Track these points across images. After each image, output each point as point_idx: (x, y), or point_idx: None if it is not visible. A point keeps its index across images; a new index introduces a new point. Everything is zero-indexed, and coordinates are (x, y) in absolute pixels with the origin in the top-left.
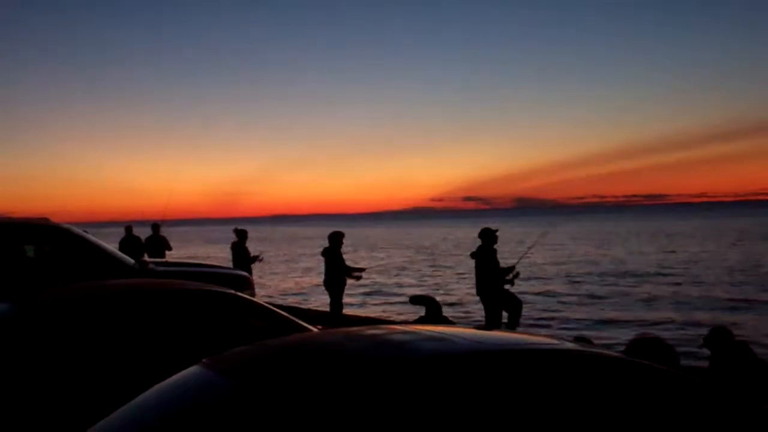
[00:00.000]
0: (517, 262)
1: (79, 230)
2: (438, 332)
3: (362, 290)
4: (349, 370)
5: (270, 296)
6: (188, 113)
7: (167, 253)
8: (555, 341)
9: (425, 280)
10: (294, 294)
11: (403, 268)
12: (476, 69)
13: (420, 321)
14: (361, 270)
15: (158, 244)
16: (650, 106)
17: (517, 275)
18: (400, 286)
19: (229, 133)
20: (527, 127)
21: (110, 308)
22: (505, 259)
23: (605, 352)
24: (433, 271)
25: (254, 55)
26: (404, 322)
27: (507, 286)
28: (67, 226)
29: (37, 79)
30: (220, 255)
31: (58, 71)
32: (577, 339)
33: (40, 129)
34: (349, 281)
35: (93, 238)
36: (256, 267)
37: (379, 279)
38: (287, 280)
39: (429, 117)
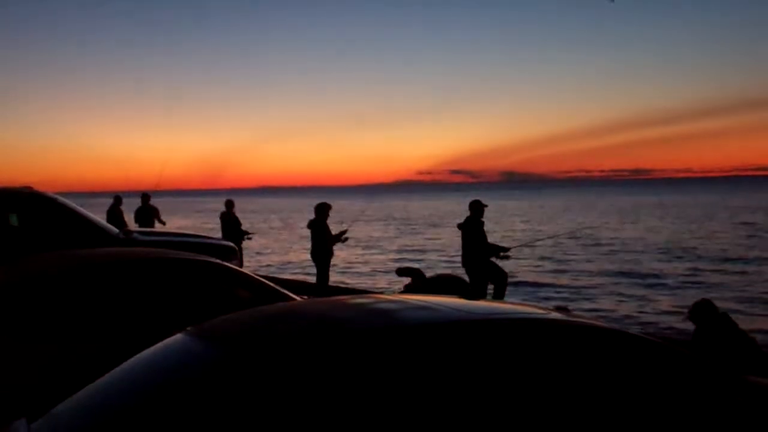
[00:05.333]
0: (513, 248)
1: (63, 199)
2: (425, 301)
3: (348, 262)
4: (337, 337)
5: (256, 268)
6: (178, 83)
7: (159, 224)
8: (541, 311)
9: (410, 252)
10: (282, 266)
11: (388, 240)
12: (465, 41)
13: (406, 292)
14: (344, 232)
15: (148, 214)
16: (637, 82)
17: (508, 257)
18: (386, 258)
19: (218, 104)
20: (515, 101)
21: (92, 276)
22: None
23: (591, 322)
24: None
25: (244, 25)
26: (391, 292)
27: (494, 259)
28: (50, 194)
29: (20, 45)
30: (208, 226)
31: (42, 37)
32: (557, 308)
33: (26, 97)
34: (339, 246)
35: (77, 207)
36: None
37: (365, 251)
38: (275, 252)
39: (417, 90)
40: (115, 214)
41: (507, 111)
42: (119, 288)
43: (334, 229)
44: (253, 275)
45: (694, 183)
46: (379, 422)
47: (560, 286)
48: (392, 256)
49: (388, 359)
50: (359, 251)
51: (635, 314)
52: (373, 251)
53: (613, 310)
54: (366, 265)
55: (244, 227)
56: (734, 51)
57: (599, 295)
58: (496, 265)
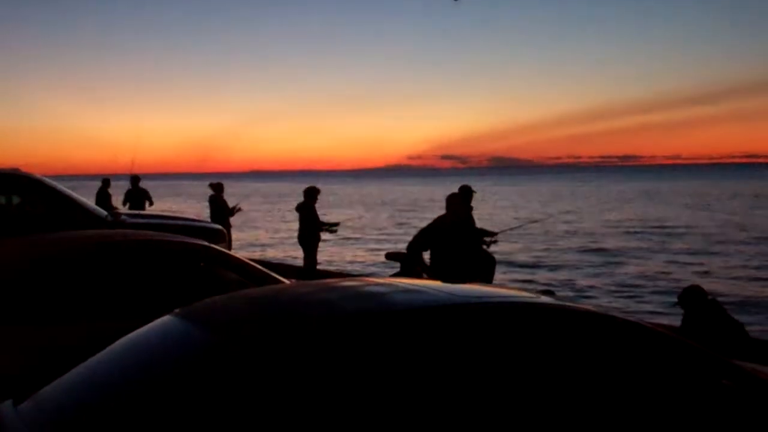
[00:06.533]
0: (500, 233)
1: (50, 181)
2: (414, 285)
3: (337, 247)
4: (324, 321)
5: (244, 250)
6: (164, 63)
7: (148, 206)
8: (531, 295)
9: (397, 237)
10: (268, 248)
11: (378, 226)
12: (455, 27)
13: (395, 277)
14: (336, 224)
15: (138, 197)
16: (627, 68)
17: (495, 241)
18: (374, 242)
19: (205, 86)
20: (504, 87)
21: (79, 258)
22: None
23: (580, 306)
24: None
25: (233, 8)
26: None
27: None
28: (38, 176)
29: (5, 27)
30: (192, 210)
31: (27, 19)
32: (543, 292)
33: (15, 81)
34: (324, 235)
35: (65, 189)
36: (235, 220)
37: (354, 236)
38: (262, 235)
39: (408, 74)
40: (103, 196)
41: (497, 96)
42: (106, 270)
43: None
44: (240, 258)
45: (683, 170)
46: (366, 406)
47: (546, 269)
48: (382, 239)
49: (376, 343)
50: (349, 235)
51: (622, 298)
52: (363, 235)
53: (598, 294)
54: (355, 250)
55: (231, 204)
56: (724, 38)
57: (584, 278)
58: (485, 250)
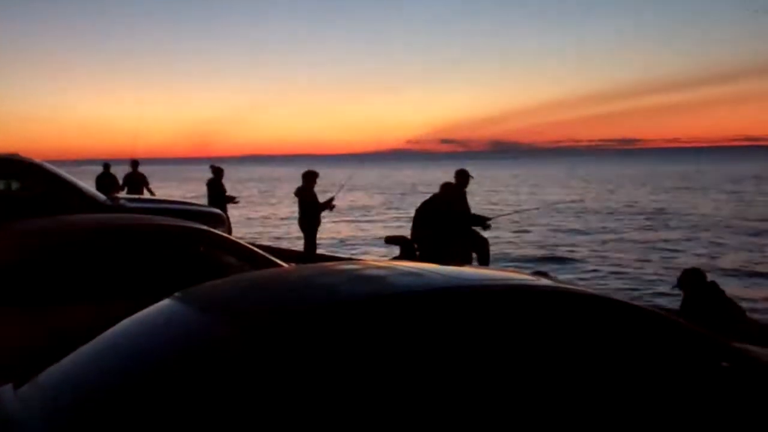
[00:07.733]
0: (494, 218)
1: (49, 165)
2: (413, 268)
3: (336, 231)
4: (323, 304)
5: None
6: (163, 48)
7: (147, 192)
8: (529, 278)
9: (398, 221)
10: (269, 233)
11: (376, 208)
12: (455, 10)
13: (395, 260)
14: (330, 200)
15: (136, 181)
16: (626, 52)
17: (489, 226)
18: (373, 227)
19: (204, 71)
20: (504, 70)
21: (78, 242)
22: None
23: (580, 288)
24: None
25: None
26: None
27: (477, 228)
28: (37, 161)
29: (7, 12)
30: (192, 194)
31: (27, 3)
32: (537, 273)
33: (14, 66)
34: (324, 218)
35: (63, 174)
36: (232, 207)
37: (353, 220)
38: (262, 219)
39: (407, 58)
40: (106, 180)
41: (497, 80)
42: (106, 254)
43: (321, 198)
44: (240, 242)
45: (682, 153)
46: (363, 388)
47: (543, 251)
48: (381, 224)
49: (375, 326)
50: (348, 219)
51: (620, 281)
52: (361, 219)
53: (596, 277)
54: (354, 234)
55: (229, 194)
56: (723, 21)
57: (582, 261)
58: (477, 233)
